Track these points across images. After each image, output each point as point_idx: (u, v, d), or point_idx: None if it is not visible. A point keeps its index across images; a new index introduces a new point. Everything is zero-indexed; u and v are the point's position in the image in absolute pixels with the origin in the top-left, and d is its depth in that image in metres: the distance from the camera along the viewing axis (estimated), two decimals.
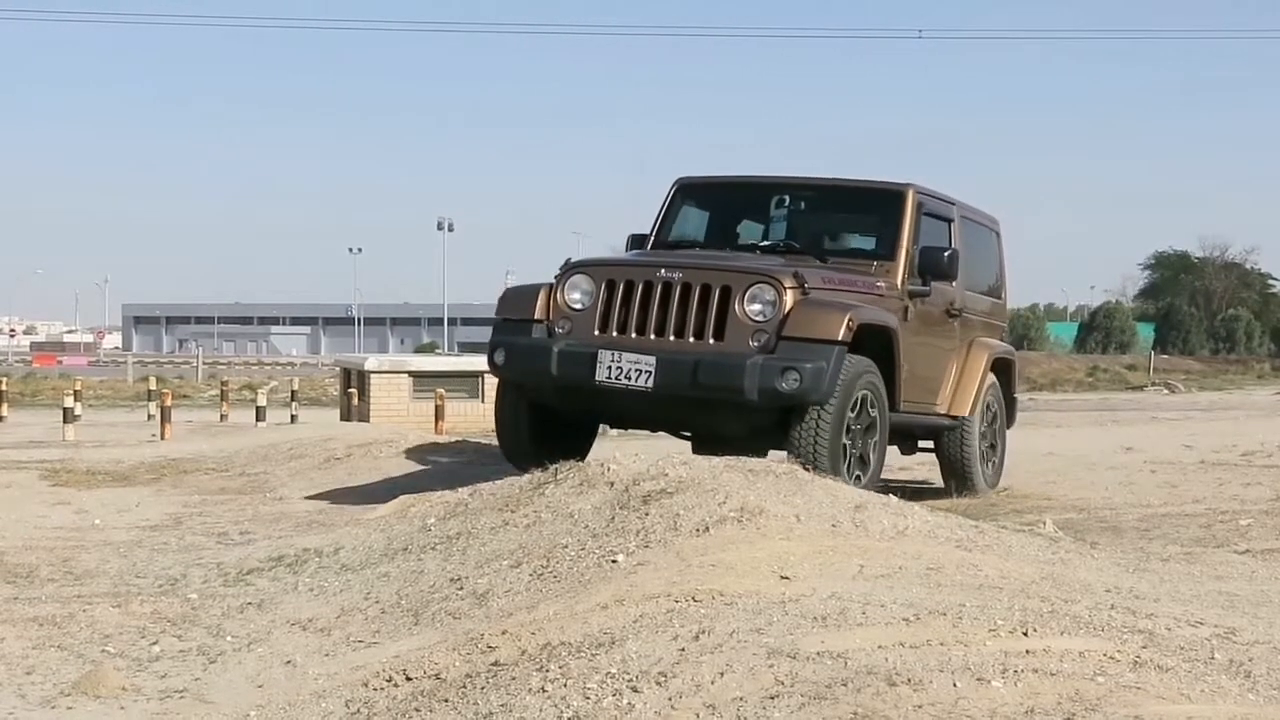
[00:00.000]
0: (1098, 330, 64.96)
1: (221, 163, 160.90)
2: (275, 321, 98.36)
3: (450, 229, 64.02)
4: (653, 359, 6.68)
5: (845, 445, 6.86)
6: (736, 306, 6.74)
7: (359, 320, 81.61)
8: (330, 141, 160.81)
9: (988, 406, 8.91)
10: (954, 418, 8.53)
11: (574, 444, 7.55)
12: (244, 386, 28.11)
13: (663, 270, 6.93)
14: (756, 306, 6.75)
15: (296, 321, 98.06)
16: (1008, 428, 9.53)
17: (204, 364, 43.00)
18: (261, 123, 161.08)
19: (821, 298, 6.87)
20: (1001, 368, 9.24)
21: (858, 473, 6.96)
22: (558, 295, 7.09)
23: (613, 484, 5.53)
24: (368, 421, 13.80)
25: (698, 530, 4.88)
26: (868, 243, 8.12)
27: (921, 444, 9.01)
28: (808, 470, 6.05)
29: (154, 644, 4.59)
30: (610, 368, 6.73)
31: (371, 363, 14.87)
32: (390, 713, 3.63)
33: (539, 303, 7.13)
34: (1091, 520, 7.93)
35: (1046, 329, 67.51)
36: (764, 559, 4.47)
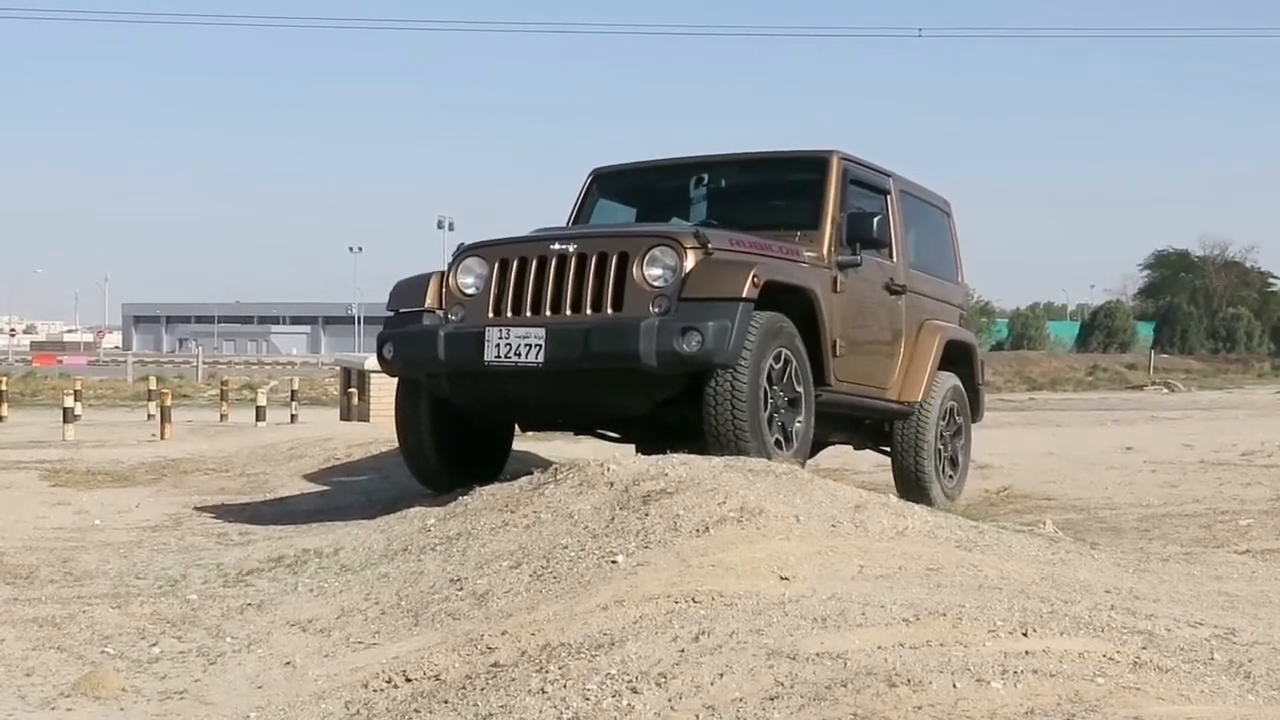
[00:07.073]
0: (1098, 329, 65.09)
1: (222, 163, 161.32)
2: (275, 321, 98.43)
3: (450, 229, 63.99)
4: (542, 330, 6.25)
5: (766, 412, 6.32)
6: (635, 272, 6.30)
7: (359, 320, 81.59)
8: (330, 141, 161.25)
9: (946, 396, 8.35)
10: (905, 403, 8.01)
11: (485, 452, 7.24)
12: (244, 386, 28.14)
13: (556, 244, 6.51)
14: (656, 271, 6.29)
15: (296, 321, 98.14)
16: (974, 421, 8.94)
17: (204, 364, 43.11)
18: (262, 123, 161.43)
19: (726, 257, 6.41)
20: (960, 354, 8.67)
21: (777, 438, 6.46)
22: (450, 281, 6.72)
23: (612, 484, 5.52)
24: (368, 421, 13.79)
25: (698, 530, 4.87)
26: (792, 214, 7.56)
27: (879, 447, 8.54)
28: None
29: (154, 645, 4.58)
30: (499, 346, 6.30)
31: (371, 362, 14.81)
32: (390, 714, 3.63)
33: (430, 291, 6.75)
34: (1091, 520, 7.95)
35: (1047, 328, 67.61)
36: (764, 559, 4.46)
